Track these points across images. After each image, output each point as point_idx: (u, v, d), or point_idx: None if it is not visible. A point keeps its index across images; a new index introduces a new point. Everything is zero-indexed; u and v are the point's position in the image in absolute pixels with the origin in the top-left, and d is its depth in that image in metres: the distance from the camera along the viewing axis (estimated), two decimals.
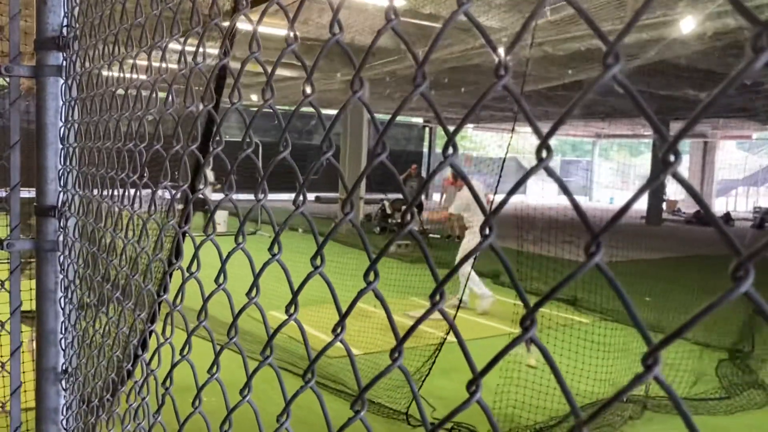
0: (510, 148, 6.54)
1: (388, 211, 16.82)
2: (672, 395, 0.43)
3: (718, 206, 30.37)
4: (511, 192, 0.59)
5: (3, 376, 2.00)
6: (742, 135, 30.69)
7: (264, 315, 1.08)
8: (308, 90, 0.87)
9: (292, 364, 6.02)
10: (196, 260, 1.29)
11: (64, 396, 1.95)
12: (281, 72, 12.58)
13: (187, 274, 1.28)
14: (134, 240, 1.52)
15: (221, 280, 1.19)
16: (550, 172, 0.50)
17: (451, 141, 0.56)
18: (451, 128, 0.58)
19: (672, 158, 0.41)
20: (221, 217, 15.47)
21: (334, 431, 0.83)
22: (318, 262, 0.92)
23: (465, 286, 7.94)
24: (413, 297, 9.08)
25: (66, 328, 1.92)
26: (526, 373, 5.53)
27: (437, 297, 0.67)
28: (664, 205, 26.03)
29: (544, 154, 0.49)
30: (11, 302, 1.96)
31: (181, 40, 1.29)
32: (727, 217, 24.73)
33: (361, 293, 0.80)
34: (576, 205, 0.54)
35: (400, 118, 29.07)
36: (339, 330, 0.84)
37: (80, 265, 1.81)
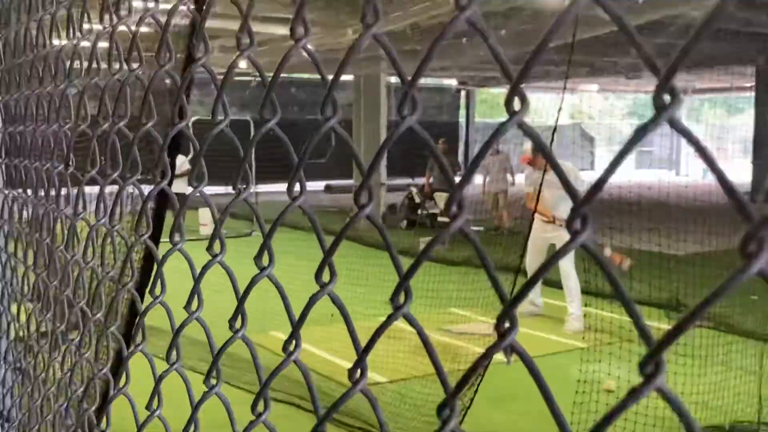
0: (569, 112, 6.54)
1: (417, 200, 16.20)
2: (684, 416, 0.41)
3: None
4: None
5: None
6: None
7: (255, 357, 1.06)
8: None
9: (300, 397, 6.01)
10: (160, 281, 1.27)
11: None
12: (274, 30, 12.56)
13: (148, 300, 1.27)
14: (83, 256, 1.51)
15: (195, 306, 1.16)
16: (527, 131, 0.47)
17: (409, 95, 0.53)
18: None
19: (668, 99, 0.38)
20: (207, 216, 14.95)
21: None
22: (326, 278, 0.82)
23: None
24: (452, 308, 9.01)
25: None
26: (606, 396, 5.54)
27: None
28: None
29: (516, 105, 0.46)
30: None
31: None
32: None
33: (387, 322, 0.73)
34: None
35: (428, 81, 27.78)
36: (359, 375, 0.75)
37: (7, 282, 1.82)
